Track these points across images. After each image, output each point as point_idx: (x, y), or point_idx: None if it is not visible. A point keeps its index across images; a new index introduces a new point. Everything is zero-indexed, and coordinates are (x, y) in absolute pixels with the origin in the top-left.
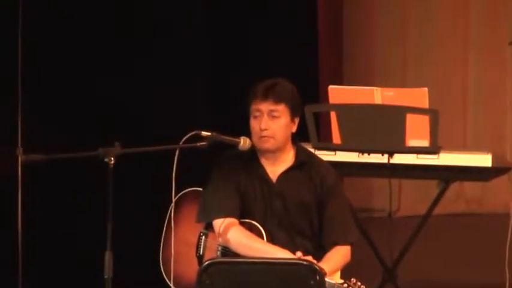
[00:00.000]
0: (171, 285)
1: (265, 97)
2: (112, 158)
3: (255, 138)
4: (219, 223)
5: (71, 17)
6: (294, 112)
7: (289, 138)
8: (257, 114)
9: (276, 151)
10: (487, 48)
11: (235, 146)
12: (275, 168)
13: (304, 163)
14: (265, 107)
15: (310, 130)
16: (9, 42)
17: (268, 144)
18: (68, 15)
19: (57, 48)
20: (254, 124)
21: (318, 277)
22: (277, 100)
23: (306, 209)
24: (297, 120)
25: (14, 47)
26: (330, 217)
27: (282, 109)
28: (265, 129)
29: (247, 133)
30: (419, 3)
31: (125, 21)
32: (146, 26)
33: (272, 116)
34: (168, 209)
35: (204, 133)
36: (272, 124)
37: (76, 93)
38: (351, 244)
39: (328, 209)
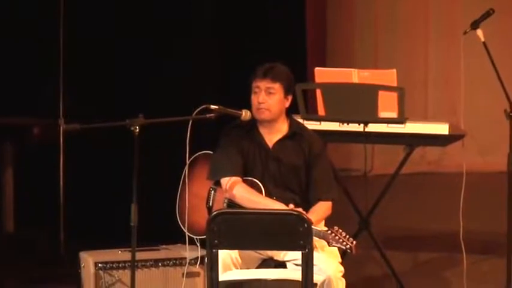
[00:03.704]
0: (186, 231)
1: (264, 76)
2: (137, 127)
3: (253, 110)
4: (226, 180)
5: (104, 5)
6: (288, 90)
7: (283, 112)
8: (257, 90)
9: (271, 121)
10: (445, 37)
11: (238, 117)
12: (272, 136)
13: (295, 133)
14: (263, 84)
15: (299, 104)
16: (51, 29)
17: (264, 115)
18: (100, 4)
19: (92, 34)
20: (254, 98)
21: (306, 225)
22: (274, 79)
23: (296, 170)
24: (290, 97)
25: (55, 34)
26: (315, 178)
27: (277, 87)
28: (263, 103)
29: (248, 107)
30: (387, 0)
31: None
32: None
33: (269, 92)
34: (183, 169)
35: (212, 106)
36: (268, 99)
37: (107, 75)
38: (332, 200)
39: (314, 172)
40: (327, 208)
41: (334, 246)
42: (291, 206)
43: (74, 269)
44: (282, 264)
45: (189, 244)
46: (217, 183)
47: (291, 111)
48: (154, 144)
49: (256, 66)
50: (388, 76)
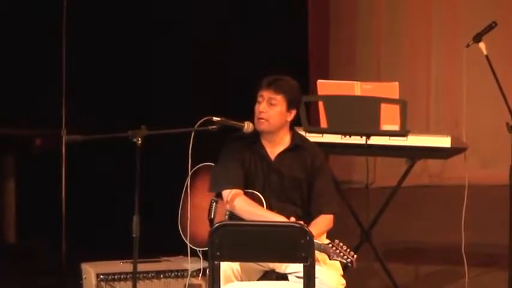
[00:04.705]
0: (188, 242)
1: (268, 86)
2: (139, 139)
3: (255, 119)
4: (227, 193)
5: (105, 17)
6: (291, 104)
7: (285, 125)
8: (260, 99)
9: (272, 133)
10: (447, 49)
11: (240, 129)
12: (274, 149)
13: (298, 146)
14: (266, 94)
15: (301, 116)
16: (52, 39)
17: (263, 126)
18: (102, 15)
19: (94, 44)
20: (256, 107)
21: (307, 237)
22: (277, 90)
23: (298, 183)
24: (293, 111)
25: (58, 44)
26: (317, 191)
27: (279, 99)
28: (262, 112)
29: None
30: (390, 13)
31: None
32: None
33: (270, 103)
34: (185, 180)
35: (215, 118)
36: (269, 110)
37: (110, 86)
38: (334, 213)
39: (316, 185)
40: (328, 221)
41: (334, 259)
42: (292, 218)
43: (75, 280)
44: (283, 277)
45: (190, 256)
46: (219, 195)
47: (293, 124)
48: (156, 156)
49: (258, 79)
50: (391, 89)
